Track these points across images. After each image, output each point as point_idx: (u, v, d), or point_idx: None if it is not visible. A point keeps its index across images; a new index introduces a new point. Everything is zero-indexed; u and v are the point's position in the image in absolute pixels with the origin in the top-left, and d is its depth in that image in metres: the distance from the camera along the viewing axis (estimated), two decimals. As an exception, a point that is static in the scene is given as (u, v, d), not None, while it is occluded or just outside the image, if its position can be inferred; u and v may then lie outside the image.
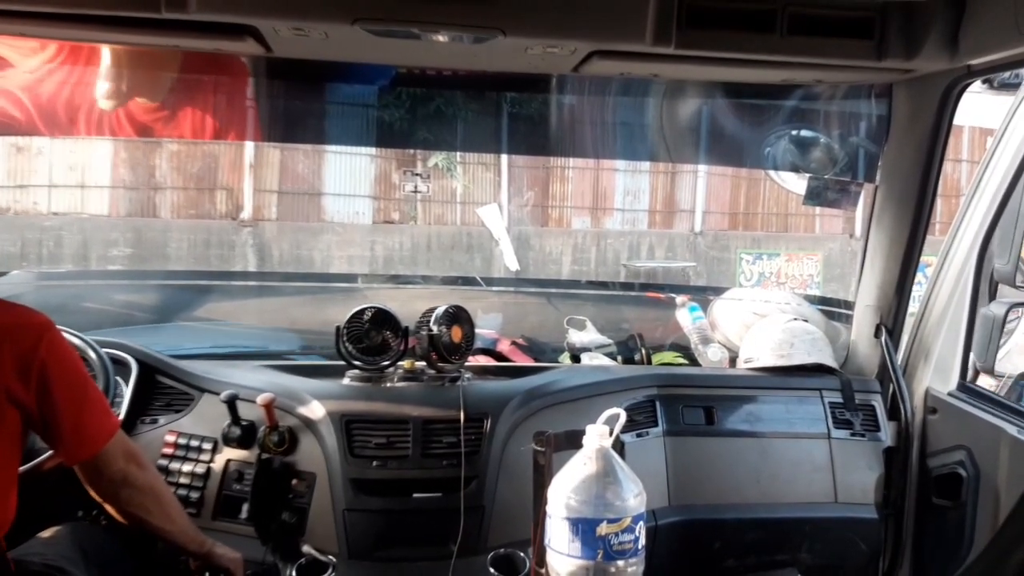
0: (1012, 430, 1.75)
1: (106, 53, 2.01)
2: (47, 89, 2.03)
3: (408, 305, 1.99)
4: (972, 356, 2.02)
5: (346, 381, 1.85)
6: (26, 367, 1.26)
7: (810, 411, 2.01)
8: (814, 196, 2.20)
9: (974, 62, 1.66)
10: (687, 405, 1.97)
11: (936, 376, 2.02)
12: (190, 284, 3.08)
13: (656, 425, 1.93)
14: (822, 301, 2.70)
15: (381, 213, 9.47)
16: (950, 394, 1.97)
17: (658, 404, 1.95)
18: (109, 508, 1.43)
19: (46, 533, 1.47)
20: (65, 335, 1.72)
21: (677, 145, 2.32)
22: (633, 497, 1.19)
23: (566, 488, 1.20)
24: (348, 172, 9.25)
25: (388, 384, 1.83)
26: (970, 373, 2.05)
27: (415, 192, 9.29)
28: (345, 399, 1.76)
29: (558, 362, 2.28)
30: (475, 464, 1.68)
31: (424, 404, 1.74)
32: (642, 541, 1.20)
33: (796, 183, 2.31)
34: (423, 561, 1.65)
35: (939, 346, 2.01)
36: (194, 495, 1.71)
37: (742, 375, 2.12)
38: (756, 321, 2.27)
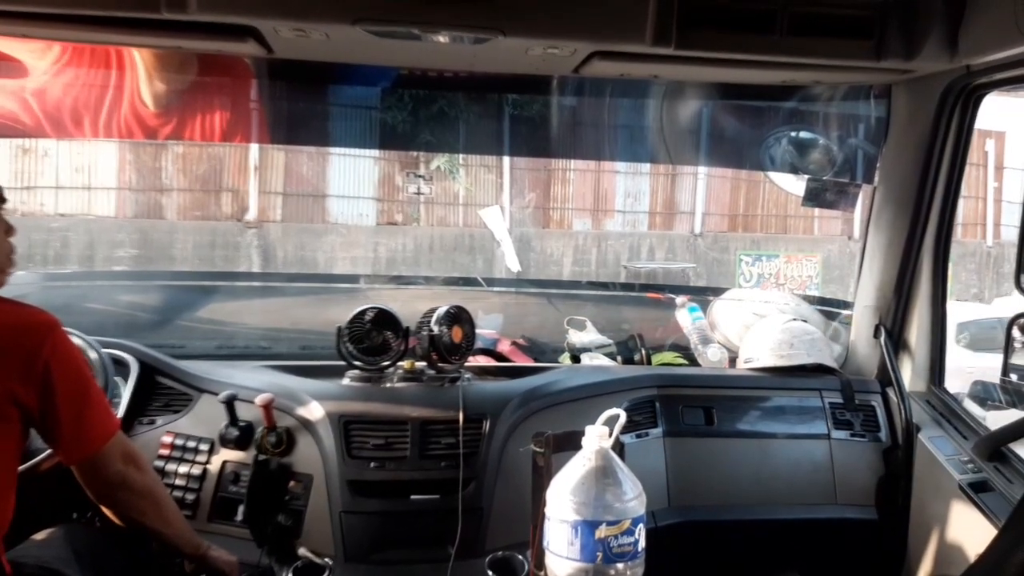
0: (925, 433, 1.85)
1: (113, 56, 2.02)
2: (54, 92, 2.04)
3: (409, 305, 1.99)
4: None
5: (345, 381, 1.85)
6: (30, 366, 1.26)
7: (810, 412, 2.00)
8: (813, 197, 2.20)
9: (973, 62, 1.65)
10: (687, 406, 1.96)
11: (916, 379, 2.04)
12: (194, 285, 3.09)
13: (656, 426, 1.92)
14: (821, 302, 2.69)
15: (385, 215, 9.48)
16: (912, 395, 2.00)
17: (658, 405, 1.94)
18: (106, 510, 1.43)
19: (41, 535, 1.47)
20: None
21: (677, 146, 2.32)
22: (633, 498, 1.19)
23: (565, 490, 1.20)
24: (352, 174, 9.28)
25: (387, 384, 1.83)
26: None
27: (418, 194, 9.30)
28: (344, 400, 1.76)
29: (558, 362, 2.28)
30: (474, 465, 1.68)
31: (423, 405, 1.73)
32: (642, 543, 1.20)
33: (795, 184, 2.31)
34: (420, 564, 1.63)
35: (916, 349, 2.04)
36: (190, 497, 1.70)
37: (742, 375, 2.12)
38: (756, 322, 2.26)
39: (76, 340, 1.74)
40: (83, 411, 1.34)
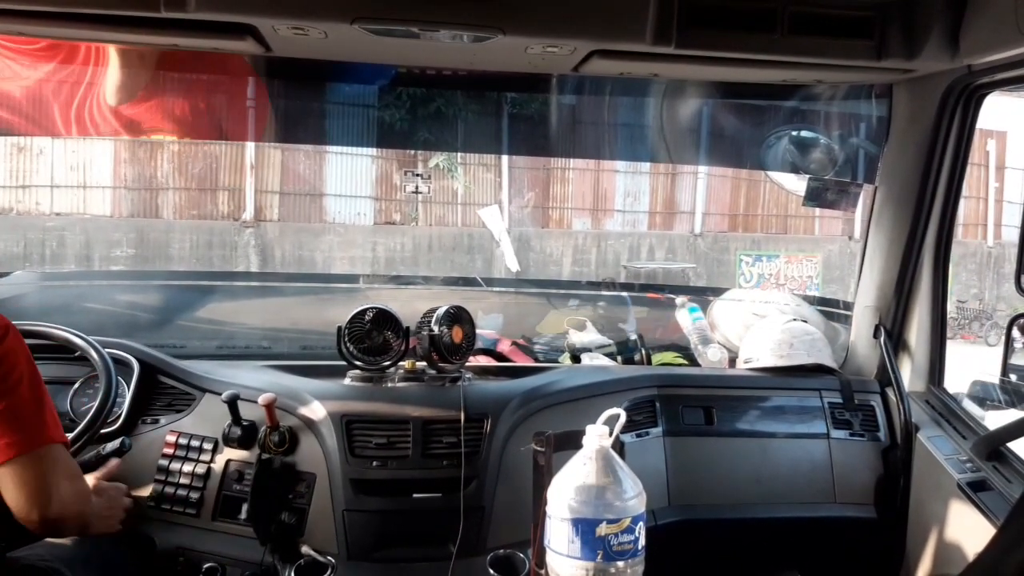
0: (924, 433, 1.85)
1: (104, 53, 2.01)
2: (43, 89, 2.02)
3: (409, 305, 1.99)
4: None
5: (347, 381, 1.85)
6: None
7: (809, 411, 2.01)
8: (814, 197, 2.20)
9: (974, 62, 1.66)
10: (687, 405, 1.96)
11: (915, 379, 2.04)
12: (192, 284, 3.09)
13: (656, 425, 1.92)
14: (821, 302, 2.69)
15: (383, 214, 9.49)
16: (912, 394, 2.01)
17: (658, 404, 1.95)
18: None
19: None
20: (68, 334, 1.73)
21: (677, 146, 2.32)
22: (633, 497, 1.20)
23: (566, 488, 1.20)
24: (349, 173, 9.28)
25: (389, 384, 1.83)
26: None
27: (416, 193, 9.30)
28: (346, 399, 1.76)
29: (558, 362, 2.28)
30: (475, 464, 1.68)
31: (425, 404, 1.74)
32: (642, 542, 1.20)
33: (796, 184, 2.31)
34: (422, 562, 1.64)
35: (916, 349, 2.04)
36: (194, 495, 1.70)
37: (742, 375, 2.12)
38: (755, 322, 2.27)
39: (77, 341, 1.75)
40: (41, 406, 1.31)
